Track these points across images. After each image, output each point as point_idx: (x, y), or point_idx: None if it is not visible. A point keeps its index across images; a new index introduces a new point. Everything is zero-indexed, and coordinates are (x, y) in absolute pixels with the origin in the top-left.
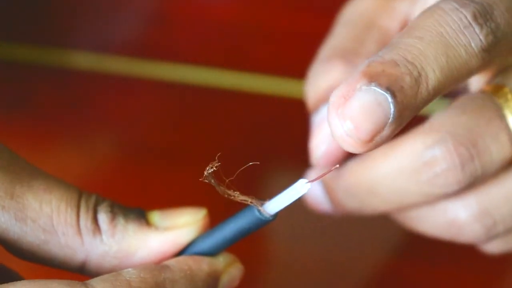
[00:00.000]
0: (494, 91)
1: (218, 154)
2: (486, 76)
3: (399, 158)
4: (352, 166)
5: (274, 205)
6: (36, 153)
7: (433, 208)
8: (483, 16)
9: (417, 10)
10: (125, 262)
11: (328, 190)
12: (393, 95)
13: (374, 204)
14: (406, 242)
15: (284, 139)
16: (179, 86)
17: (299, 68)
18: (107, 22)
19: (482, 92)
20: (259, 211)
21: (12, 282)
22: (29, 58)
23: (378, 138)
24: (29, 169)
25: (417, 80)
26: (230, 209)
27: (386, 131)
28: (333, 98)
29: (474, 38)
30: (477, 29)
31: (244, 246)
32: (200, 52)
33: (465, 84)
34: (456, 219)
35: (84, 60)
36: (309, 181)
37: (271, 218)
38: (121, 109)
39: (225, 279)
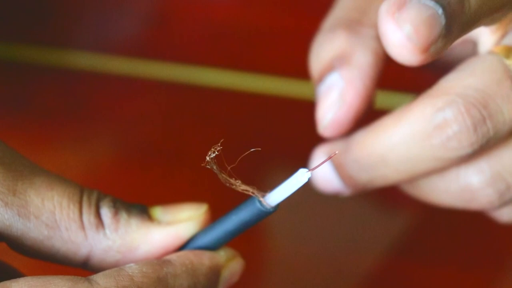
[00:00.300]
0: (503, 52)
1: (222, 140)
2: (495, 38)
3: (409, 124)
4: (361, 137)
5: (276, 196)
6: (37, 153)
7: (445, 176)
8: None
9: None
10: (128, 256)
11: (337, 166)
12: (443, 8)
13: (386, 174)
14: (406, 242)
15: (284, 139)
16: (179, 86)
17: (299, 68)
18: (107, 22)
19: (491, 53)
20: (260, 202)
21: (15, 279)
22: (29, 58)
23: (433, 48)
24: (31, 166)
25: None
26: (230, 208)
27: (440, 43)
28: (385, 6)
29: None
30: None
31: (244, 246)
32: (200, 52)
33: (473, 48)
34: (469, 184)
35: (84, 60)
36: (310, 170)
37: (272, 210)
38: (121, 109)
39: (226, 273)
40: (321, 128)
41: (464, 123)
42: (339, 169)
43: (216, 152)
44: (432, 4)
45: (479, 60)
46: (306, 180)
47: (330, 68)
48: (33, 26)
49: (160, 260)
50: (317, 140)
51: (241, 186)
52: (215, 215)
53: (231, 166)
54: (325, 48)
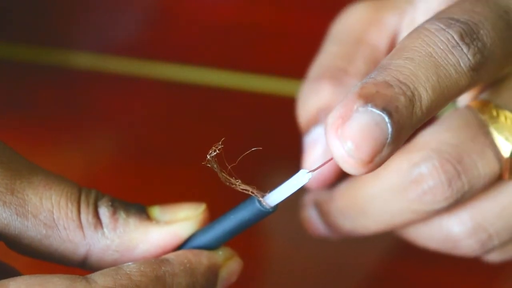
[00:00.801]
0: (479, 107)
1: (222, 139)
2: (472, 92)
3: (387, 178)
4: (343, 188)
5: (275, 196)
6: (36, 153)
7: (429, 224)
8: (469, 36)
9: (404, 26)
10: (126, 255)
11: (322, 213)
12: (390, 115)
13: (367, 224)
14: (405, 242)
15: (284, 139)
16: (179, 86)
17: (299, 68)
18: (107, 22)
19: (467, 108)
20: (259, 202)
21: (13, 278)
22: (29, 58)
23: (377, 159)
24: (29, 166)
25: (411, 100)
26: (228, 208)
27: (385, 151)
28: (331, 120)
29: (463, 58)
30: (464, 49)
31: (244, 246)
32: (200, 52)
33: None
34: (451, 234)
35: (84, 60)
36: (310, 171)
37: (271, 210)
38: (121, 109)
39: (224, 272)
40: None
41: (439, 178)
42: (324, 216)
43: (217, 151)
44: (378, 112)
45: (455, 115)
46: (306, 181)
47: (316, 120)
48: (33, 26)
49: (158, 259)
50: None
51: (240, 186)
52: (214, 215)
53: (232, 165)
54: (311, 99)
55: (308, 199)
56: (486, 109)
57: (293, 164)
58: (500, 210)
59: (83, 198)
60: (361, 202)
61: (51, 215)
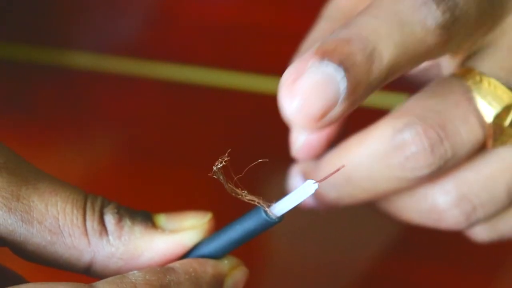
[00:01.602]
0: (463, 74)
1: (229, 150)
2: (457, 60)
3: (371, 144)
4: (329, 156)
5: (281, 207)
6: (36, 153)
7: (413, 195)
8: None
9: None
10: (131, 263)
11: None
12: (346, 70)
13: (352, 192)
14: (405, 242)
15: (284, 139)
16: (179, 86)
17: None
18: (107, 22)
19: (452, 75)
20: (265, 212)
21: (18, 285)
22: (29, 58)
23: (329, 116)
24: (34, 171)
25: (370, 56)
26: (232, 211)
27: (338, 109)
28: (284, 77)
29: (431, 15)
30: (433, 6)
31: (243, 246)
32: (200, 52)
33: (439, 70)
34: (436, 205)
35: (84, 60)
36: (317, 182)
37: (277, 220)
38: (121, 109)
39: (229, 281)
40: (294, 151)
41: (422, 144)
42: None
43: (224, 163)
44: (332, 68)
45: (439, 82)
46: (312, 191)
47: None
48: (33, 26)
49: (163, 268)
50: None
51: (247, 196)
52: (214, 215)
53: (238, 176)
54: None
55: (295, 169)
56: (469, 75)
57: (294, 164)
58: (484, 181)
59: (88, 205)
60: (346, 169)
61: (56, 221)
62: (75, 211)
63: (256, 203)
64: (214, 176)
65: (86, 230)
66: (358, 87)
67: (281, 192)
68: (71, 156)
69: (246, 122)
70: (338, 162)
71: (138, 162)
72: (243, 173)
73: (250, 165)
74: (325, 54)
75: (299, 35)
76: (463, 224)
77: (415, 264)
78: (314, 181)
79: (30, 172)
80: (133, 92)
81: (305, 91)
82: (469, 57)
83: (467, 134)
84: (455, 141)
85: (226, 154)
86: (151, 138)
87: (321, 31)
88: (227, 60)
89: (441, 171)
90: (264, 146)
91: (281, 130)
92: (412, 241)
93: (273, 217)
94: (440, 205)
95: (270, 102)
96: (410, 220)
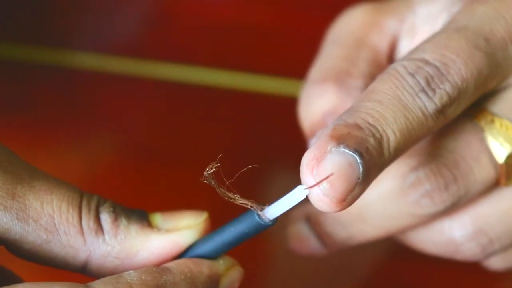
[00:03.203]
0: (476, 114)
1: (220, 156)
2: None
3: (385, 182)
4: None
5: (274, 210)
6: (36, 153)
7: (429, 229)
8: (437, 79)
9: (404, 31)
10: (127, 262)
11: (314, 224)
12: (361, 155)
13: (365, 230)
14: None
15: (284, 139)
16: (179, 86)
17: (299, 68)
18: (108, 22)
19: (464, 115)
20: (258, 215)
21: (14, 285)
22: (29, 58)
23: (350, 197)
24: (30, 170)
25: (380, 142)
26: (229, 211)
27: (357, 190)
28: (305, 161)
29: (429, 102)
30: (430, 93)
31: (243, 246)
32: (200, 52)
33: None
34: (452, 238)
35: (84, 60)
36: (307, 187)
37: (270, 223)
38: (121, 109)
39: (225, 282)
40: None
41: (436, 182)
42: (317, 227)
43: (214, 169)
44: (351, 152)
45: (452, 122)
46: (303, 197)
47: (321, 124)
48: (33, 26)
49: (159, 268)
50: None
51: (239, 200)
52: (215, 215)
53: (230, 181)
54: (315, 102)
55: (297, 214)
56: (481, 116)
57: (293, 164)
58: (500, 215)
59: (84, 203)
60: (359, 208)
61: (52, 220)
62: (70, 210)
63: (249, 207)
64: (205, 181)
65: (82, 228)
66: (372, 170)
67: (281, 193)
68: (71, 156)
69: (246, 122)
70: None
71: (138, 162)
72: (234, 178)
73: (241, 171)
74: (340, 140)
75: (299, 35)
76: (480, 256)
77: (415, 264)
78: (305, 186)
79: (25, 170)
80: (133, 92)
81: (329, 176)
82: (482, 97)
83: (480, 173)
84: (468, 179)
85: (217, 160)
86: (151, 138)
87: (332, 57)
88: (227, 60)
89: (455, 207)
90: (264, 146)
91: (281, 129)
92: None
93: (266, 221)
94: (456, 239)
95: (270, 102)
96: (426, 251)
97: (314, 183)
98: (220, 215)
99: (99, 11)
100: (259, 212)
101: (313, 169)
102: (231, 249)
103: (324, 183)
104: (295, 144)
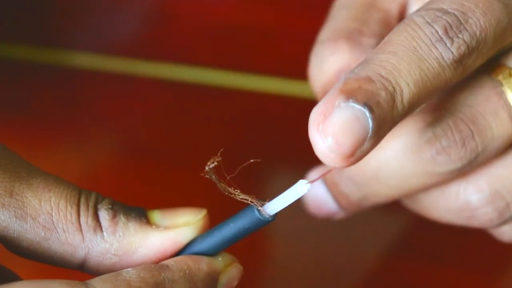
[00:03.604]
0: (494, 69)
1: (221, 150)
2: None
3: (401, 139)
4: None
5: (274, 206)
6: (36, 153)
7: (444, 193)
8: (455, 28)
9: None
10: (125, 259)
11: (330, 185)
12: (371, 110)
13: (380, 190)
14: (406, 242)
15: (284, 139)
16: (179, 86)
17: (299, 68)
18: (107, 22)
19: (481, 70)
20: (259, 211)
21: (12, 283)
22: (29, 58)
23: (358, 152)
24: (28, 167)
25: (392, 94)
26: (228, 210)
27: (366, 145)
28: (313, 116)
29: (446, 51)
30: (448, 43)
31: (244, 246)
32: (200, 52)
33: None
34: (468, 203)
35: (84, 60)
36: (309, 182)
37: (270, 219)
38: (121, 109)
39: (224, 279)
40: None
41: (453, 137)
42: (333, 188)
43: (215, 163)
44: (360, 107)
45: (470, 77)
46: (305, 191)
47: (334, 83)
48: (33, 26)
49: (157, 265)
50: None
51: (240, 195)
52: (214, 214)
53: (230, 176)
54: (327, 60)
55: (313, 173)
56: (499, 70)
57: (293, 164)
58: None
59: (82, 200)
60: (373, 166)
61: (50, 217)
62: (69, 207)
63: (249, 202)
64: (207, 176)
65: (80, 226)
66: (383, 124)
67: (282, 190)
68: (71, 156)
69: (246, 122)
70: (366, 159)
71: (138, 161)
72: (235, 173)
73: (243, 165)
74: (350, 94)
75: (299, 35)
76: (496, 221)
77: (415, 264)
78: (307, 181)
79: (23, 168)
80: (133, 92)
81: (336, 131)
82: (500, 53)
83: (498, 129)
84: (486, 135)
85: (218, 154)
86: (151, 138)
87: (342, 18)
88: (227, 60)
89: (472, 165)
90: (264, 146)
91: (281, 129)
92: (412, 241)
93: (266, 216)
94: (473, 202)
95: (270, 102)
96: (439, 219)
97: (319, 139)
98: (219, 215)
99: (99, 11)
100: (259, 208)
101: (319, 124)
102: (231, 246)
103: (330, 139)
104: (295, 144)
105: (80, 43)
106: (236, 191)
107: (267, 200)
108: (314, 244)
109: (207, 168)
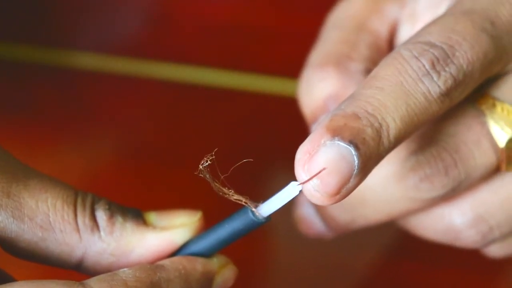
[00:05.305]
0: (477, 98)
1: (216, 149)
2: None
3: (385, 166)
4: None
5: (268, 207)
6: (36, 153)
7: (430, 215)
8: (442, 62)
9: (405, 16)
10: (122, 260)
11: (319, 207)
12: (356, 147)
13: (367, 214)
14: (405, 243)
15: (284, 139)
16: (179, 86)
17: (299, 68)
18: (108, 22)
19: (465, 99)
20: (253, 212)
21: (9, 283)
22: (29, 58)
23: (344, 190)
24: (24, 169)
25: (378, 131)
26: (228, 209)
27: (352, 182)
28: (299, 155)
29: (433, 86)
30: (435, 77)
31: (242, 246)
32: (200, 52)
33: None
34: (452, 225)
35: (84, 60)
36: (300, 183)
37: (264, 220)
38: (121, 109)
39: (219, 279)
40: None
41: (436, 166)
42: (321, 210)
43: (209, 162)
44: (345, 145)
45: (454, 106)
46: (297, 193)
47: (323, 109)
48: (33, 26)
49: (153, 265)
50: None
51: (234, 196)
52: (214, 214)
53: (224, 175)
54: (316, 87)
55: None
56: (483, 100)
57: (293, 164)
58: (500, 202)
59: (79, 201)
60: (360, 191)
61: (47, 218)
62: (65, 207)
63: (243, 203)
64: (200, 175)
65: (77, 225)
66: (369, 161)
67: (275, 184)
68: (71, 156)
69: (246, 122)
70: None
71: (138, 161)
72: (229, 172)
73: (236, 164)
74: (336, 132)
75: (299, 35)
76: (479, 243)
77: (415, 264)
78: (298, 183)
79: (20, 170)
80: (133, 92)
81: (321, 171)
82: (484, 82)
83: (480, 158)
84: (469, 163)
85: (213, 153)
86: (151, 138)
87: (332, 41)
88: (227, 60)
89: (455, 192)
90: (264, 146)
91: (281, 129)
92: (411, 242)
93: (260, 217)
94: (456, 225)
95: (270, 102)
96: (426, 237)
97: (308, 184)
98: (219, 215)
99: (99, 11)
100: (253, 209)
101: (305, 164)
102: (230, 246)
103: (315, 179)
104: (294, 144)
105: (80, 43)
106: (230, 191)
107: (261, 201)
108: (313, 244)
109: (200, 167)
